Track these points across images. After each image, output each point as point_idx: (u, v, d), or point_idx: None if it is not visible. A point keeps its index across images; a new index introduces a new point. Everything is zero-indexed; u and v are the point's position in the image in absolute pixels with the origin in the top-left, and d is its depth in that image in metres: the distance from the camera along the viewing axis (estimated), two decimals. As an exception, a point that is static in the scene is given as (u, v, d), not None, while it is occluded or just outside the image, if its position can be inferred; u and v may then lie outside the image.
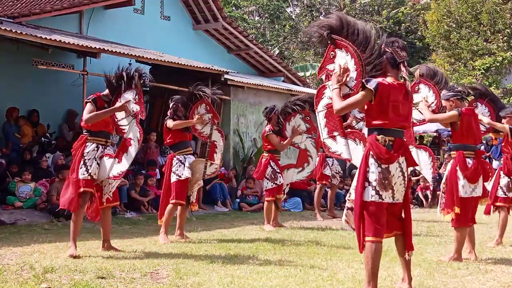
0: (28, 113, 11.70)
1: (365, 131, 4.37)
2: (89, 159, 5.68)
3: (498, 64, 21.82)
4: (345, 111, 4.30)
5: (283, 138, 8.49)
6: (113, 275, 4.72)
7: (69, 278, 4.59)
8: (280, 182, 8.40)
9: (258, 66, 16.06)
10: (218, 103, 7.32)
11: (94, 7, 12.35)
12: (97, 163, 5.72)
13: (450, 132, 6.00)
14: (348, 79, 4.33)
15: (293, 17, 31.32)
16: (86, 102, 5.82)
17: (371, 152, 4.09)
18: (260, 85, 13.83)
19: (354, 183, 4.19)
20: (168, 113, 7.08)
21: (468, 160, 5.72)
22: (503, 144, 7.06)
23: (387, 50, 4.18)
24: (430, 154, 6.55)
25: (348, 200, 4.24)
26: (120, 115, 5.90)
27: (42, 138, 11.55)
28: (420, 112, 6.07)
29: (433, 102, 6.09)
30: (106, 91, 5.90)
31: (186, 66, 11.67)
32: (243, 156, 13.50)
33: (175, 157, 6.96)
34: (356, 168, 4.33)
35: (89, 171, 5.66)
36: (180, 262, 5.32)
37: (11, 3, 12.59)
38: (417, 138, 17.26)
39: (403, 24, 28.49)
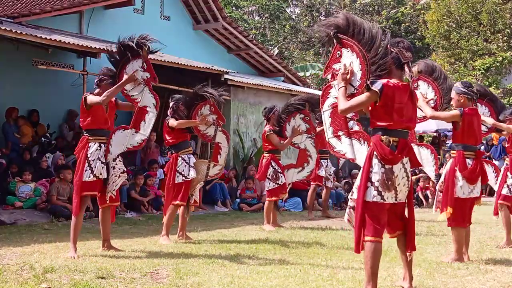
0: (28, 113, 11.70)
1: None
2: (93, 160, 5.66)
3: (498, 64, 21.83)
4: (350, 112, 4.29)
5: (283, 138, 8.49)
6: (113, 275, 4.72)
7: (69, 278, 4.59)
8: (282, 181, 8.40)
9: (258, 66, 16.06)
10: (223, 104, 7.26)
11: (94, 7, 12.34)
12: (102, 162, 5.71)
13: (450, 132, 5.99)
14: (353, 78, 4.33)
15: (293, 17, 31.32)
16: (85, 97, 5.73)
17: (375, 153, 4.09)
18: (260, 85, 13.84)
19: (357, 182, 4.19)
20: (168, 112, 7.04)
21: (468, 160, 5.71)
22: (508, 144, 7.04)
23: (393, 50, 4.18)
24: (432, 151, 6.52)
25: (351, 199, 4.24)
26: (129, 86, 5.81)
27: (42, 138, 11.56)
28: (420, 109, 6.03)
29: (432, 99, 6.06)
30: (97, 90, 5.86)
31: (186, 66, 11.67)
32: (243, 156, 13.51)
33: (179, 157, 6.87)
34: (356, 168, 4.34)
35: (94, 172, 5.66)
36: (180, 262, 5.32)
37: (11, 3, 12.59)
38: (417, 138, 17.26)
39: (403, 24, 28.50)
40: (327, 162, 10.16)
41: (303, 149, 8.68)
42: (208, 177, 7.17)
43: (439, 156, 16.21)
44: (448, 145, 15.85)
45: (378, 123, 4.14)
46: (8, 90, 11.18)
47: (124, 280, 4.58)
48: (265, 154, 8.60)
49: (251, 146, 13.80)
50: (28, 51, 10.98)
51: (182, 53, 13.24)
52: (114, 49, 5.93)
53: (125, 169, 6.03)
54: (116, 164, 5.84)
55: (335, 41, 4.43)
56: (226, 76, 12.70)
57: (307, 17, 29.84)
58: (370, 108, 4.20)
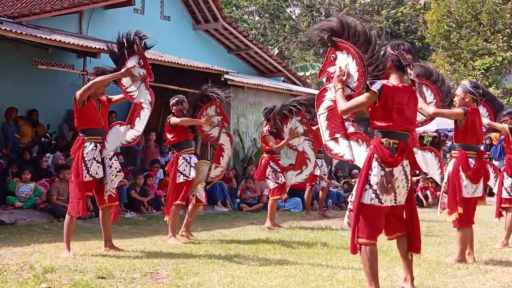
0: (28, 113, 11.70)
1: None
2: (89, 160, 5.67)
3: (498, 64, 21.83)
4: (349, 112, 4.28)
5: (281, 140, 8.51)
6: (113, 275, 4.72)
7: (69, 278, 4.59)
8: (282, 181, 8.43)
9: (258, 66, 16.07)
10: (227, 105, 7.26)
11: (94, 7, 12.35)
12: (97, 162, 5.71)
13: (451, 132, 5.97)
14: (349, 80, 4.34)
15: (293, 17, 31.32)
16: (75, 96, 5.72)
17: (375, 155, 4.08)
18: (260, 85, 13.84)
19: (356, 185, 4.18)
20: (174, 110, 6.95)
21: (470, 160, 5.70)
22: (505, 145, 7.03)
23: (393, 52, 4.18)
24: (436, 154, 6.48)
25: (350, 201, 4.23)
26: (126, 82, 5.89)
27: (42, 138, 11.56)
28: (420, 112, 6.02)
29: (432, 102, 6.05)
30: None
31: (186, 66, 11.68)
32: (243, 156, 13.51)
33: (180, 156, 6.85)
34: (356, 168, 4.34)
35: (90, 172, 5.66)
36: (180, 262, 5.32)
37: (11, 3, 12.59)
38: (417, 138, 17.25)
39: (402, 24, 28.51)
40: (322, 161, 10.17)
41: (301, 152, 8.69)
42: (209, 178, 7.15)
43: (439, 156, 16.24)
44: (448, 145, 15.85)
45: (378, 124, 4.13)
46: (8, 90, 11.18)
47: (124, 280, 4.58)
48: (264, 155, 8.62)
49: (251, 146, 13.80)
50: (28, 51, 10.98)
51: (182, 53, 13.24)
52: (114, 46, 5.95)
53: (121, 168, 6.03)
54: (112, 163, 5.85)
55: (329, 44, 4.45)
56: (226, 76, 12.71)
57: (307, 17, 29.84)
58: (369, 109, 4.19)
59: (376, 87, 4.04)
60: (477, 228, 8.39)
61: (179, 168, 6.79)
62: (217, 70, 12.43)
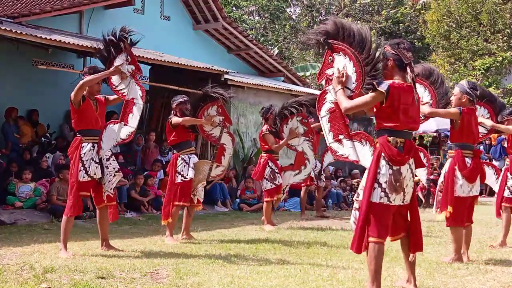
0: (28, 113, 11.70)
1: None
2: (86, 160, 5.66)
3: (498, 64, 21.84)
4: (353, 111, 4.30)
5: (280, 140, 8.50)
6: (113, 275, 4.72)
7: (69, 278, 4.59)
8: (279, 182, 8.42)
9: (258, 66, 16.07)
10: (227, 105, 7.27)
11: (94, 7, 12.35)
12: (95, 162, 5.71)
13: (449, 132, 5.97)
14: (348, 81, 4.36)
15: (293, 17, 31.33)
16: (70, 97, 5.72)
17: (382, 154, 4.09)
18: (260, 85, 13.84)
19: (362, 184, 4.18)
20: (173, 113, 6.96)
21: (466, 159, 5.72)
22: (508, 145, 7.03)
23: (394, 52, 4.18)
24: (424, 154, 6.52)
25: (356, 201, 4.23)
26: (116, 80, 5.90)
27: (42, 138, 11.56)
28: None
29: (428, 102, 6.06)
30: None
31: (186, 66, 11.68)
32: (243, 156, 13.51)
33: (179, 156, 6.85)
34: (356, 167, 4.34)
35: (88, 172, 5.66)
36: (180, 262, 5.32)
37: (11, 3, 12.60)
38: (417, 138, 17.26)
39: (402, 24, 28.51)
40: (316, 162, 10.17)
41: (300, 152, 8.69)
42: (210, 177, 7.14)
43: (439, 156, 16.25)
44: (448, 145, 15.80)
45: (385, 124, 4.14)
46: (8, 90, 11.18)
47: (124, 280, 4.58)
48: (262, 154, 8.62)
49: (251, 146, 13.80)
50: (28, 51, 10.98)
51: (182, 53, 13.25)
52: (102, 47, 5.96)
53: (119, 168, 6.03)
54: (110, 163, 5.85)
55: (326, 47, 4.47)
56: (226, 76, 12.71)
57: (307, 17, 29.84)
58: (375, 109, 4.20)
59: (383, 87, 4.05)
60: (477, 228, 8.41)
61: (177, 169, 6.79)
62: (217, 70, 12.43)
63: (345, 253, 6.06)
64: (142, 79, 12.91)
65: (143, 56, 10.75)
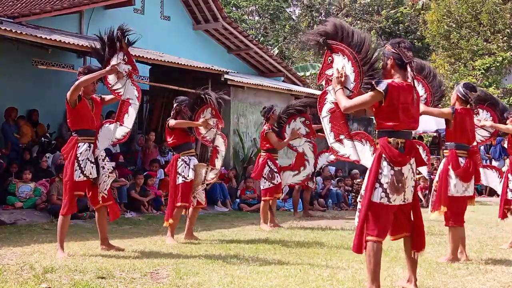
0: (28, 113, 11.71)
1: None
2: (82, 160, 5.65)
3: (498, 64, 21.82)
4: (353, 110, 4.30)
5: (282, 139, 8.52)
6: (113, 275, 4.72)
7: (69, 278, 4.59)
8: (277, 181, 8.44)
9: (258, 66, 16.07)
10: (223, 107, 7.25)
11: (94, 7, 12.36)
12: (91, 162, 5.70)
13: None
14: (347, 81, 4.37)
15: (293, 17, 31.33)
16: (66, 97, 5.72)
17: (383, 155, 4.09)
18: (260, 85, 13.84)
19: (365, 184, 4.18)
20: (172, 113, 6.98)
21: (460, 159, 5.73)
22: (509, 145, 7.03)
23: (394, 51, 4.18)
24: (424, 148, 6.53)
25: (359, 202, 4.24)
26: (112, 80, 5.88)
27: (42, 138, 11.56)
28: None
29: (422, 96, 6.06)
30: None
31: (186, 66, 11.68)
32: (243, 156, 13.51)
33: (179, 158, 6.84)
34: (355, 167, 4.34)
35: (84, 172, 5.66)
36: (180, 262, 5.32)
37: (11, 3, 12.60)
38: (417, 138, 17.26)
39: (402, 24, 28.52)
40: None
41: (301, 153, 8.73)
42: (206, 181, 7.12)
43: (439, 156, 16.24)
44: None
45: (385, 124, 4.14)
46: (8, 90, 11.18)
47: (124, 280, 4.58)
48: (262, 153, 8.62)
49: (251, 146, 13.80)
50: (28, 51, 10.98)
51: (182, 53, 13.25)
52: (98, 45, 5.94)
53: (114, 168, 6.02)
54: (105, 164, 5.84)
55: (325, 47, 4.48)
56: (226, 76, 12.71)
57: (307, 17, 29.84)
58: (374, 109, 4.21)
59: (381, 87, 4.05)
60: (477, 228, 8.42)
61: (178, 170, 6.79)
62: (217, 70, 12.43)
63: (345, 253, 6.06)
64: (142, 79, 12.93)
65: (143, 56, 10.75)
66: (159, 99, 13.32)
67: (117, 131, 5.82)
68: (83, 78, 5.63)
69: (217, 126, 7.08)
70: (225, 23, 14.67)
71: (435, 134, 18.32)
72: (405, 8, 28.88)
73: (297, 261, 5.57)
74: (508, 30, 21.96)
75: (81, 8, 11.99)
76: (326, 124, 4.56)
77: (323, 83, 4.62)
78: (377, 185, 4.09)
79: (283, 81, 16.08)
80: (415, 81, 5.52)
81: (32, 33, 9.44)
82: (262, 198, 8.55)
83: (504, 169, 7.17)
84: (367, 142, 4.41)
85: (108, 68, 5.77)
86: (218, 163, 7.17)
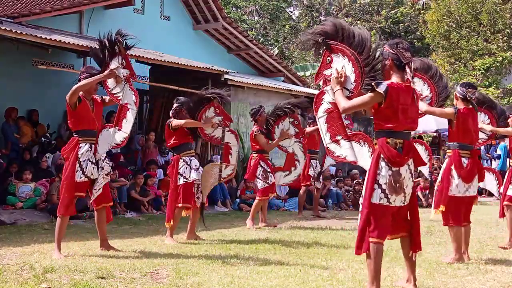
0: (28, 113, 11.70)
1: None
2: (84, 160, 5.66)
3: (498, 64, 21.82)
4: (351, 111, 4.30)
5: (271, 140, 8.56)
6: (113, 275, 4.72)
7: (69, 278, 4.59)
8: (271, 181, 8.48)
9: (258, 66, 16.07)
10: (226, 101, 7.27)
11: (94, 7, 12.36)
12: (92, 163, 5.70)
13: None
14: (346, 81, 4.36)
15: (293, 17, 31.33)
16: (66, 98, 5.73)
17: (381, 155, 4.09)
18: (260, 85, 13.84)
19: (365, 185, 4.18)
20: (170, 114, 6.97)
21: (463, 159, 5.72)
22: (510, 146, 7.03)
23: (392, 51, 4.18)
24: (426, 147, 6.52)
25: (361, 204, 4.23)
26: (111, 84, 5.88)
27: (42, 138, 11.56)
28: None
29: (427, 96, 6.05)
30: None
31: (186, 66, 11.67)
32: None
33: (180, 159, 6.84)
34: (355, 168, 4.34)
35: (86, 173, 5.66)
36: (180, 262, 5.32)
37: (11, 3, 12.60)
38: (416, 137, 17.23)
39: (401, 24, 28.52)
40: (316, 162, 10.18)
41: (291, 153, 8.76)
42: (222, 179, 7.13)
43: (439, 156, 16.24)
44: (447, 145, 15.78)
45: (384, 125, 4.14)
46: (8, 90, 11.18)
47: (124, 280, 4.58)
48: (253, 155, 8.64)
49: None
50: (28, 51, 10.98)
51: (182, 53, 13.24)
52: (97, 49, 5.95)
53: (111, 172, 6.04)
54: (104, 165, 5.84)
55: (324, 47, 4.46)
56: (226, 76, 12.70)
57: (307, 17, 29.84)
58: (373, 110, 4.20)
59: (381, 88, 4.05)
60: (477, 228, 8.41)
61: (179, 171, 6.79)
62: (217, 70, 12.43)
63: (345, 253, 6.06)
64: (142, 79, 12.92)
65: (143, 56, 10.75)
66: (159, 99, 13.32)
67: (116, 135, 5.82)
68: (82, 82, 5.64)
69: (225, 123, 7.07)
70: (225, 23, 14.66)
71: (435, 134, 18.31)
72: (405, 8, 28.87)
73: (297, 261, 5.57)
74: (508, 30, 21.96)
75: (81, 8, 11.98)
76: (322, 125, 4.54)
77: (321, 83, 4.60)
78: (376, 186, 4.09)
79: (283, 81, 16.08)
80: (416, 78, 5.51)
81: (32, 33, 9.44)
82: (258, 197, 8.57)
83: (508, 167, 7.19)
84: (365, 143, 4.39)
85: (106, 72, 5.77)
86: (233, 158, 7.17)
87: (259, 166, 8.45)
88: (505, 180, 6.97)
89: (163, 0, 14.25)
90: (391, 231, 4.26)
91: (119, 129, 5.82)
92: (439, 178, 5.97)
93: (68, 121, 5.81)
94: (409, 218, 4.32)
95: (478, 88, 6.82)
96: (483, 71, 21.77)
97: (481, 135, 6.66)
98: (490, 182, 6.84)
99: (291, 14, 31.76)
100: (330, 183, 12.88)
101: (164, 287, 4.40)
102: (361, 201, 4.25)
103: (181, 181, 6.77)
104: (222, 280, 4.60)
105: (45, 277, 4.60)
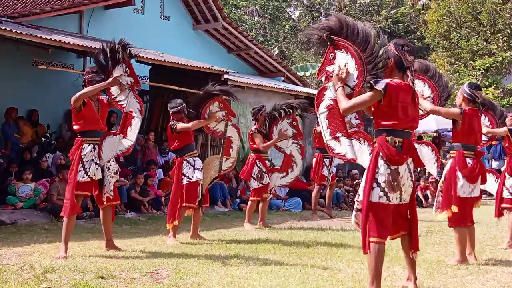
0: (28, 113, 11.70)
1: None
2: (87, 161, 5.66)
3: (498, 64, 21.80)
4: (352, 111, 4.29)
5: (269, 141, 8.55)
6: (113, 275, 4.72)
7: (69, 278, 4.59)
8: (266, 181, 8.48)
9: (258, 66, 16.06)
10: (232, 97, 7.34)
11: (94, 7, 12.36)
12: (95, 163, 5.71)
13: (450, 132, 5.96)
14: (348, 78, 4.34)
15: (293, 17, 31.33)
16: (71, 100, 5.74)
17: (380, 154, 4.09)
18: (260, 85, 13.84)
19: (362, 184, 4.18)
20: (176, 118, 6.93)
21: (468, 160, 5.71)
22: (506, 145, 7.03)
23: (396, 53, 4.17)
24: (433, 148, 6.49)
25: (357, 201, 4.23)
26: (115, 91, 5.89)
27: (42, 138, 11.56)
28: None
29: (429, 96, 6.04)
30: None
31: (186, 66, 11.67)
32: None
33: (184, 160, 6.85)
34: (355, 167, 4.33)
35: (88, 173, 5.66)
36: (180, 262, 5.32)
37: (11, 3, 12.60)
38: (416, 137, 17.23)
39: (401, 24, 28.53)
40: (329, 161, 10.15)
41: (288, 155, 8.75)
42: (222, 171, 7.18)
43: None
44: (448, 145, 15.81)
45: (383, 123, 4.13)
46: (8, 90, 11.18)
47: (124, 280, 4.58)
48: (251, 154, 8.65)
49: (251, 146, 13.78)
50: (28, 51, 10.97)
51: (182, 53, 13.24)
52: (100, 56, 5.94)
53: (119, 170, 6.04)
54: (110, 165, 5.84)
55: (328, 43, 4.44)
56: (226, 76, 12.70)
57: (307, 17, 29.85)
58: (372, 108, 4.20)
59: (380, 86, 4.05)
60: (477, 228, 8.37)
61: (183, 171, 6.81)
62: (217, 70, 12.43)
63: (345, 253, 6.06)
64: (142, 79, 12.92)
65: (143, 56, 10.74)
66: (159, 99, 13.32)
67: (121, 143, 5.81)
68: (86, 90, 5.67)
69: (228, 118, 7.12)
70: (225, 23, 14.66)
71: (435, 134, 18.31)
72: (405, 8, 28.87)
73: (297, 261, 5.57)
74: (508, 30, 21.95)
75: (81, 8, 11.98)
76: (323, 121, 4.51)
77: (323, 78, 4.58)
78: (375, 184, 4.08)
79: (283, 81, 16.08)
80: (416, 79, 5.50)
81: (32, 33, 9.44)
82: (250, 198, 8.59)
83: (503, 168, 7.18)
84: (365, 141, 4.38)
85: (110, 80, 5.76)
86: (234, 151, 7.22)
87: (255, 166, 8.45)
88: (499, 180, 6.97)
89: (163, 0, 14.25)
90: (391, 231, 4.26)
91: (124, 137, 5.81)
92: (442, 179, 5.94)
93: (73, 123, 5.80)
94: (409, 218, 4.32)
95: (478, 88, 6.80)
96: (483, 71, 21.75)
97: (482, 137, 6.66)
98: (490, 183, 6.84)
99: (291, 14, 31.76)
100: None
101: (164, 287, 4.41)
102: (356, 198, 4.24)
103: (184, 181, 6.79)
104: (222, 280, 4.60)
105: (45, 277, 4.60)
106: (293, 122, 8.68)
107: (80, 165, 5.65)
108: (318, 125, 9.46)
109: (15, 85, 11.35)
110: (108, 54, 5.82)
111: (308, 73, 20.14)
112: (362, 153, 4.36)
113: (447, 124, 15.29)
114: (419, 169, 13.14)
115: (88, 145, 5.70)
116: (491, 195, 9.37)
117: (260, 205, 8.70)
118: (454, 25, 22.76)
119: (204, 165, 6.98)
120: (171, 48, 13.49)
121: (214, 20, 14.68)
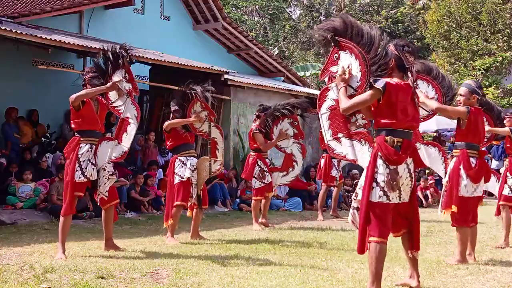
0: (28, 113, 11.70)
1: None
2: (84, 161, 5.65)
3: (498, 64, 21.81)
4: (352, 110, 4.28)
5: (269, 140, 8.54)
6: (113, 275, 4.72)
7: (69, 278, 4.59)
8: (268, 180, 8.46)
9: (258, 66, 16.07)
10: (216, 101, 7.28)
11: (94, 7, 12.36)
12: (92, 164, 5.70)
13: (450, 132, 5.95)
14: (352, 79, 4.34)
15: (293, 17, 31.33)
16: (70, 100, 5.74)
17: (379, 153, 4.09)
18: (260, 85, 13.84)
19: (361, 183, 4.18)
20: (173, 115, 6.99)
21: (471, 159, 5.70)
22: (507, 145, 7.03)
23: (397, 53, 4.17)
24: (439, 149, 6.48)
25: (355, 200, 4.23)
26: (113, 96, 5.89)
27: (42, 138, 11.56)
28: (422, 108, 5.93)
29: (433, 97, 6.03)
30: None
31: (186, 66, 11.67)
32: (243, 156, 13.50)
33: (177, 159, 6.88)
34: (355, 168, 4.33)
35: (85, 174, 5.66)
36: (180, 262, 5.32)
37: (11, 3, 12.60)
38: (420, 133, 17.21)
39: (401, 24, 28.52)
40: (339, 161, 10.14)
41: (289, 154, 8.74)
42: (212, 173, 7.15)
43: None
44: (448, 146, 15.82)
45: (383, 121, 4.13)
46: (8, 90, 11.18)
47: (124, 280, 4.59)
48: (251, 153, 8.64)
49: (251, 146, 13.78)
50: (28, 51, 10.97)
51: (182, 53, 13.24)
52: (100, 61, 5.94)
53: (114, 172, 6.03)
54: (106, 166, 5.83)
55: (333, 43, 4.44)
56: (226, 76, 12.70)
57: (307, 17, 29.85)
58: (372, 108, 4.20)
59: (379, 84, 4.05)
60: (477, 228, 8.40)
61: (175, 170, 6.82)
62: (217, 70, 12.43)
63: (345, 253, 6.06)
64: (142, 79, 12.93)
65: (143, 56, 10.74)
66: (159, 99, 13.32)
67: (115, 149, 5.79)
68: (83, 92, 5.66)
69: (210, 118, 7.08)
70: (225, 23, 14.67)
71: (435, 134, 18.32)
72: (405, 8, 28.87)
73: (297, 261, 5.57)
74: (508, 30, 21.95)
75: (81, 8, 11.99)
76: (324, 121, 4.51)
77: (326, 79, 4.57)
78: (374, 184, 4.08)
79: (283, 81, 16.08)
80: (420, 80, 5.50)
81: (32, 33, 9.44)
82: (253, 198, 8.57)
83: (502, 169, 7.19)
84: (366, 142, 4.38)
85: (109, 84, 5.76)
86: (219, 154, 7.18)
87: (256, 165, 8.45)
88: (501, 179, 6.98)
89: (163, 0, 14.26)
90: (393, 230, 4.26)
91: (119, 143, 5.80)
92: (446, 178, 5.93)
93: (71, 121, 5.81)
94: (409, 217, 4.32)
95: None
96: (483, 71, 21.76)
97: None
98: (491, 183, 6.84)
99: (291, 14, 31.76)
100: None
101: (164, 287, 4.41)
102: (354, 197, 4.24)
103: (177, 180, 6.80)
104: (222, 280, 4.60)
105: (45, 277, 4.60)
106: (294, 122, 8.67)
107: (77, 165, 5.64)
108: None
109: (15, 85, 11.35)
110: (110, 57, 5.80)
111: (308, 73, 20.15)
112: (362, 154, 4.36)
113: (447, 124, 15.36)
114: (419, 169, 13.13)
115: (86, 145, 5.69)
116: (490, 194, 9.37)
117: (263, 201, 8.69)
118: (454, 25, 22.76)
119: (197, 166, 6.97)
120: (171, 48, 13.49)
121: (214, 20, 14.68)
